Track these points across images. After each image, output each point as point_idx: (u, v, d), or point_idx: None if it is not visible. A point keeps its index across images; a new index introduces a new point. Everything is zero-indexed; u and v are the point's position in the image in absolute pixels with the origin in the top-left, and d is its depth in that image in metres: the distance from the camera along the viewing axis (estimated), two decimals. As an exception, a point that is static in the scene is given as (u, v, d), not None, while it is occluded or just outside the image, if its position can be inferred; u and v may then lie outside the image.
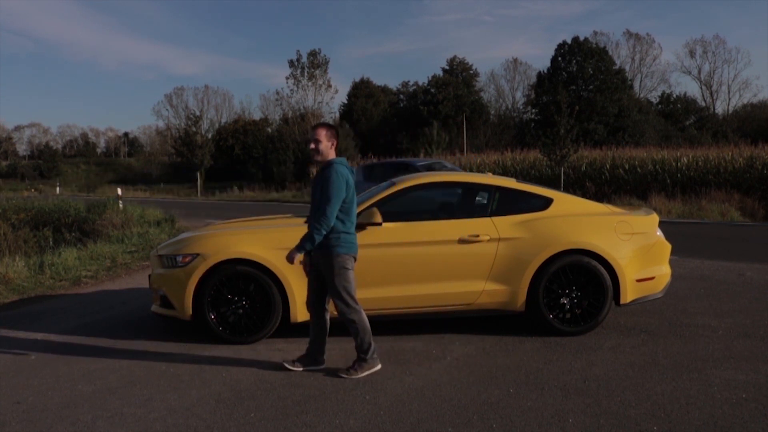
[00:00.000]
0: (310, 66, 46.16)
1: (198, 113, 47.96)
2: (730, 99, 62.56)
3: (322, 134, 4.29)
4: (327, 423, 3.61)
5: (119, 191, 17.14)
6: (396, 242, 5.16)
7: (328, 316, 4.50)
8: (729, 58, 68.28)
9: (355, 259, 4.36)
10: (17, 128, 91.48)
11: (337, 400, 3.94)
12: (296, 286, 5.08)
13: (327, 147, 4.31)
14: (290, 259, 4.24)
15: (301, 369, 4.48)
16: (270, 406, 3.88)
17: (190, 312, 5.12)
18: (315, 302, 4.46)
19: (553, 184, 19.81)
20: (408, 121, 52.11)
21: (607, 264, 5.15)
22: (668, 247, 5.56)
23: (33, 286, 7.79)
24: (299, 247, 4.23)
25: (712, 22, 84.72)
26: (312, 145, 4.32)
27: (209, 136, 51.04)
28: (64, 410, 3.90)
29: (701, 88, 60.80)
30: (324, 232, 4.18)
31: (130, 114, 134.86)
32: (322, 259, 4.28)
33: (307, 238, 4.20)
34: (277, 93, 70.51)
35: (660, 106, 53.99)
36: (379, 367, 4.41)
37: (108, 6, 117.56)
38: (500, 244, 5.15)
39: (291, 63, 46.08)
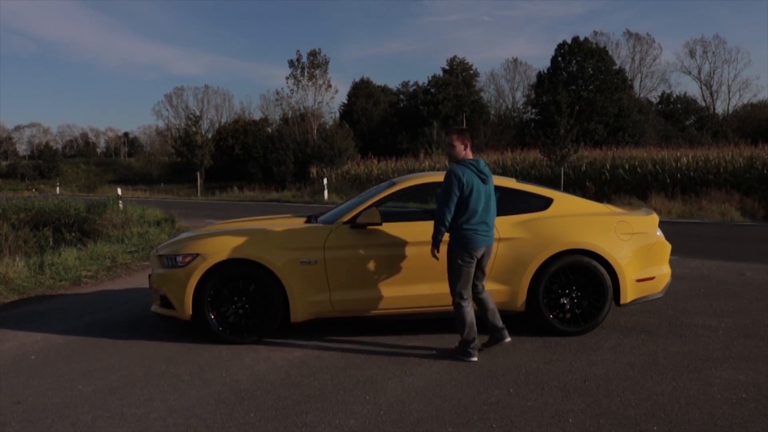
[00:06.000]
0: (310, 66, 46.22)
1: (198, 113, 48.03)
2: (730, 99, 62.49)
3: (453, 139, 4.73)
4: (327, 423, 3.61)
5: (119, 191, 17.14)
6: (396, 242, 5.16)
7: (486, 295, 4.83)
8: (729, 58, 67.84)
9: (471, 253, 4.62)
10: (17, 128, 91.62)
11: (337, 400, 3.94)
12: (296, 286, 5.09)
13: (460, 150, 4.70)
14: (433, 255, 4.68)
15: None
16: (270, 406, 3.88)
17: (190, 312, 5.12)
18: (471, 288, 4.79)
19: (553, 184, 19.81)
20: (408, 121, 52.04)
21: (607, 264, 5.15)
22: (668, 247, 5.56)
23: (33, 286, 7.79)
24: (434, 244, 4.67)
25: (712, 22, 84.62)
26: (448, 150, 4.78)
27: (209, 136, 51.06)
28: (64, 410, 3.90)
29: (701, 88, 60.77)
30: (442, 229, 4.61)
31: (130, 114, 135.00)
32: (448, 252, 4.70)
33: (433, 235, 4.66)
34: (277, 93, 70.75)
35: (660, 106, 53.93)
36: (475, 359, 4.69)
37: (109, 6, 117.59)
38: (500, 244, 5.15)
39: (291, 63, 46.21)
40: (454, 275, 4.67)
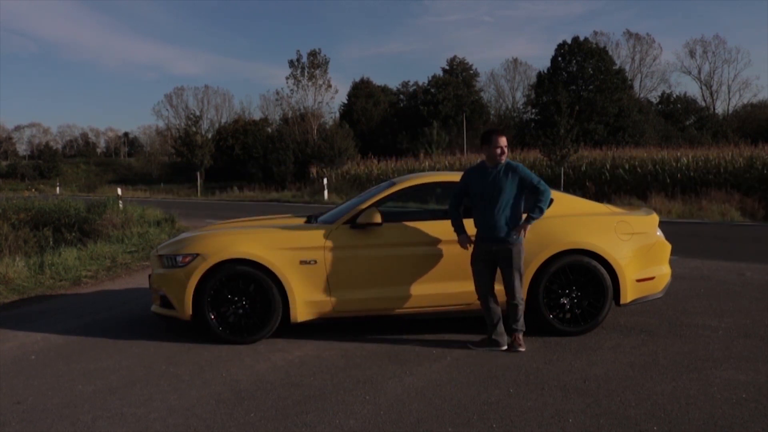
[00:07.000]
0: (310, 66, 46.26)
1: (198, 113, 48.08)
2: (730, 99, 62.53)
3: (506, 141, 4.89)
4: (327, 423, 3.61)
5: (119, 191, 17.13)
6: (396, 242, 5.16)
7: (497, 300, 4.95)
8: (729, 58, 67.88)
9: None
10: (17, 128, 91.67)
11: (337, 400, 3.94)
12: (296, 286, 5.09)
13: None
14: (524, 228, 4.75)
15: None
16: (270, 406, 3.88)
17: (190, 312, 5.12)
18: (487, 289, 4.87)
19: (553, 184, 19.71)
20: (408, 121, 52.08)
21: (607, 264, 5.15)
22: (668, 247, 5.56)
23: (33, 286, 7.79)
24: (531, 219, 4.75)
25: (712, 22, 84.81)
26: (503, 150, 4.86)
27: (209, 136, 51.09)
28: (64, 410, 3.90)
29: (701, 88, 60.82)
30: (548, 205, 4.80)
31: (130, 114, 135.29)
32: (504, 249, 4.75)
33: (537, 211, 4.74)
34: (277, 93, 70.68)
35: (660, 106, 53.96)
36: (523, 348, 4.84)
37: (109, 6, 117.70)
38: (500, 244, 5.14)
39: (291, 63, 46.26)
40: (521, 270, 4.80)
